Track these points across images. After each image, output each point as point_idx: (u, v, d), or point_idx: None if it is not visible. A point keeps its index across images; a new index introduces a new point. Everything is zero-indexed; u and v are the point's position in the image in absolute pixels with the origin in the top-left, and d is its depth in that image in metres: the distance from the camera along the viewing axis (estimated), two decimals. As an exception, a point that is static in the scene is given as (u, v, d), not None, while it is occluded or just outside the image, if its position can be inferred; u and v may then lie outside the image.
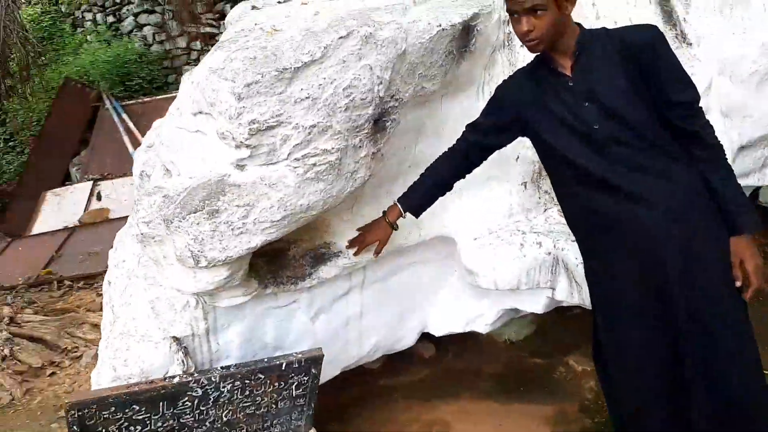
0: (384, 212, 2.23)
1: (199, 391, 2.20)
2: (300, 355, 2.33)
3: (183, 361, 2.35)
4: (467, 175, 2.26)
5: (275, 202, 1.91)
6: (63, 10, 10.17)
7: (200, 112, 1.88)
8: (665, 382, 1.87)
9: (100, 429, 2.11)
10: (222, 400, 2.26)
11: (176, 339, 2.38)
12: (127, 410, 2.11)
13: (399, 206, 2.20)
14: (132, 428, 2.17)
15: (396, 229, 2.25)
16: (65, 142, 7.69)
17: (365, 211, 2.45)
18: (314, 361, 2.35)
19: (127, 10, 9.19)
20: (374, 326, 2.89)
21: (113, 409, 2.09)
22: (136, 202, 2.18)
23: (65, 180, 7.57)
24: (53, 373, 3.97)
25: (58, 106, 7.70)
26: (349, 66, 1.89)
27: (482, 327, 2.96)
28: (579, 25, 1.85)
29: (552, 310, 2.87)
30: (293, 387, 2.38)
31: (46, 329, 4.44)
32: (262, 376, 2.28)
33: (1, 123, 9.04)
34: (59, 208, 6.86)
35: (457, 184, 2.58)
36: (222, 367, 2.27)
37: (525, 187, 2.70)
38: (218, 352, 2.51)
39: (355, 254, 2.36)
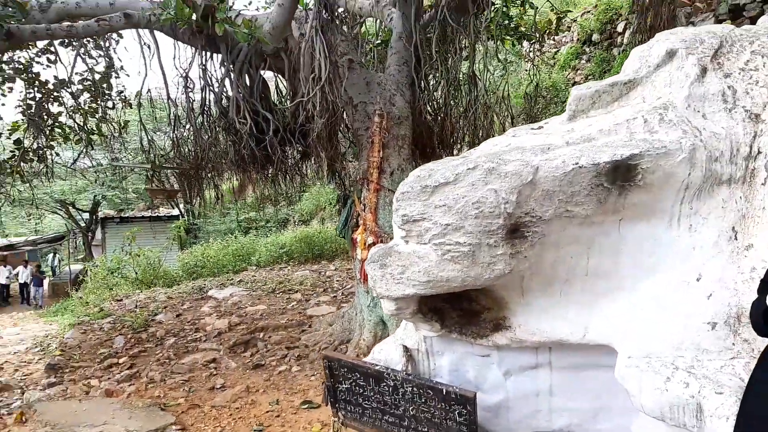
0: None
1: (392, 383, 3.27)
2: (456, 389, 3.09)
3: (404, 364, 3.45)
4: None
5: (422, 269, 2.82)
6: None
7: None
8: None
9: (340, 379, 3.46)
10: (407, 396, 3.26)
11: (406, 348, 3.50)
12: (353, 374, 3.39)
13: None
14: (357, 389, 3.43)
15: None
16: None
17: (536, 300, 2.96)
18: (466, 398, 3.06)
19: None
20: (565, 409, 3.24)
21: (345, 370, 3.41)
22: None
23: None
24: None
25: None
26: (478, 188, 2.61)
27: (667, 455, 2.88)
28: None
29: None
30: (456, 414, 3.14)
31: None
32: (431, 392, 3.16)
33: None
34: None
35: (637, 300, 2.79)
36: (405, 372, 3.27)
37: (713, 327, 2.56)
38: (434, 371, 3.49)
39: None
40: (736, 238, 2.62)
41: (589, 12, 13.91)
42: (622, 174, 2.54)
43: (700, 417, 2.44)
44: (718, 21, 8.86)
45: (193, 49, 6.74)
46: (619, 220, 2.70)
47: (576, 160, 2.52)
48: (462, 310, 3.21)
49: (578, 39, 14.43)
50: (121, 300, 10.49)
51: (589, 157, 2.52)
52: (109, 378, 6.39)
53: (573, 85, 13.84)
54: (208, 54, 6.81)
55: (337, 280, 11.10)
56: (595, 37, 13.47)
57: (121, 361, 6.91)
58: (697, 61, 2.81)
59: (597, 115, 2.94)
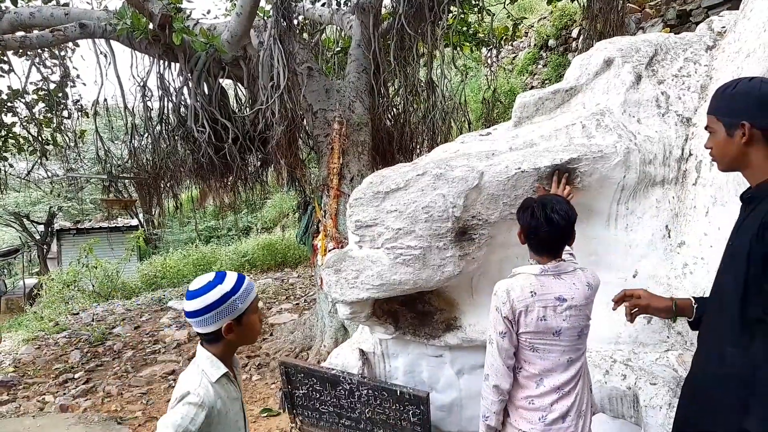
0: (674, 299, 2.17)
1: (348, 387, 3.33)
2: (410, 389, 3.16)
3: (360, 367, 3.51)
4: None
5: (375, 273, 2.89)
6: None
7: (351, 209, 3.03)
8: None
9: (297, 385, 3.50)
10: (363, 399, 3.32)
11: (362, 351, 3.56)
12: (309, 380, 3.44)
13: (693, 301, 2.12)
14: (314, 394, 3.48)
15: (674, 318, 2.23)
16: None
17: (484, 300, 3.05)
18: (420, 398, 3.13)
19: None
20: (516, 404, 3.34)
21: (302, 375, 3.45)
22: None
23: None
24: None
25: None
26: (427, 193, 2.70)
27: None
28: None
29: None
30: (410, 414, 3.21)
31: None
32: (386, 394, 3.23)
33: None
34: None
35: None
36: (361, 375, 3.33)
37: (649, 321, 2.70)
38: (390, 372, 3.55)
39: (616, 302, 2.28)
40: (669, 236, 2.76)
41: (545, 18, 14.22)
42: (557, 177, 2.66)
43: (636, 407, 2.57)
44: (667, 26, 9.20)
45: (151, 58, 6.71)
46: (561, 221, 2.82)
47: (518, 165, 2.64)
48: (416, 312, 3.29)
49: (535, 44, 14.73)
50: (77, 314, 10.27)
51: (531, 162, 2.64)
52: (64, 393, 6.26)
53: (530, 89, 14.11)
54: (166, 63, 6.78)
55: (300, 288, 11.09)
56: (551, 42, 13.77)
57: (77, 375, 6.79)
58: (633, 69, 2.96)
59: (541, 121, 3.07)
